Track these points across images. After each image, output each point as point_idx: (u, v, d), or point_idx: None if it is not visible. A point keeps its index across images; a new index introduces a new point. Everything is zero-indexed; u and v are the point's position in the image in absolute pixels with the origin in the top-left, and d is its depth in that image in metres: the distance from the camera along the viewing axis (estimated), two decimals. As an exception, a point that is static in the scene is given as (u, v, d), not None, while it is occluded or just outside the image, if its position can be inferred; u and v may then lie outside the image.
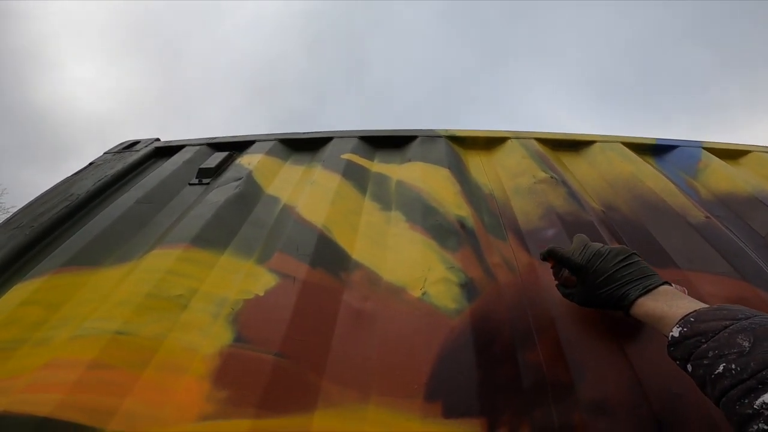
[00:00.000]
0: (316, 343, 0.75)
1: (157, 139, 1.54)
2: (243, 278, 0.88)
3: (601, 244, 0.71)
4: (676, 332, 0.52)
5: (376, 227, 1.03)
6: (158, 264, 0.90)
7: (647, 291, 0.61)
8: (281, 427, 0.62)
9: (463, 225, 1.01)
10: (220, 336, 0.75)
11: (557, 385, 0.68)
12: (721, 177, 1.26)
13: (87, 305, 0.84)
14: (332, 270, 0.89)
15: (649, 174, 1.21)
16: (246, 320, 0.78)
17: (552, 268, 0.78)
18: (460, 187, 1.14)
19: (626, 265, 0.65)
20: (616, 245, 0.70)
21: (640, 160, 1.28)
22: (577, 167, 1.29)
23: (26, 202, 1.25)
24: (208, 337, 0.76)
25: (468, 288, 0.85)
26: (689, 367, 0.50)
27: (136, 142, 1.52)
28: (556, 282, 0.77)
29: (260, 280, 0.86)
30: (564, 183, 1.15)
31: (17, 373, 0.72)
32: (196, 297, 0.84)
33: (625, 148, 1.32)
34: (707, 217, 1.08)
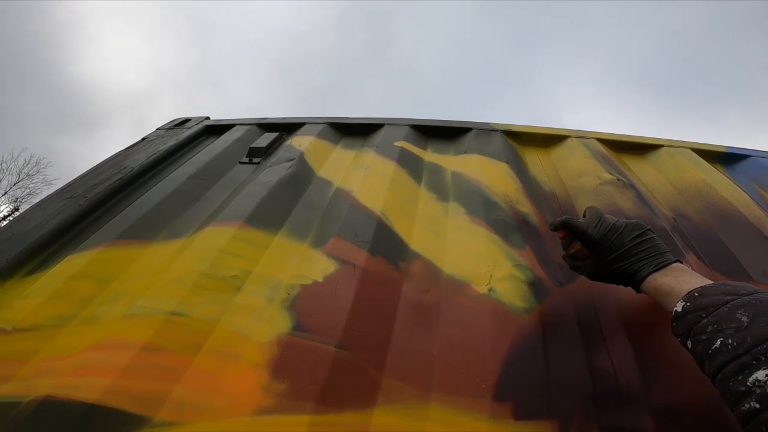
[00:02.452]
0: (377, 336, 0.71)
1: (207, 118, 1.53)
2: (298, 261, 0.86)
3: (616, 218, 0.68)
4: (679, 307, 0.51)
5: (433, 217, 0.99)
6: (212, 242, 0.88)
7: (659, 267, 0.60)
8: (340, 424, 0.59)
9: (526, 222, 0.96)
10: (277, 322, 0.72)
11: (627, 389, 0.64)
12: (797, 191, 1.17)
13: (138, 281, 0.82)
14: (391, 259, 0.86)
15: (722, 183, 1.14)
16: (304, 307, 0.74)
17: (562, 239, 0.75)
18: (521, 184, 1.08)
19: (641, 241, 0.64)
20: (632, 220, 0.68)
21: (712, 168, 1.20)
22: (642, 171, 1.22)
23: (79, 173, 1.26)
24: (262, 322, 0.72)
25: (536, 287, 0.81)
26: (689, 344, 0.49)
27: (187, 120, 1.52)
28: (564, 253, 0.75)
29: (318, 265, 0.83)
30: (632, 186, 1.08)
31: (64, 352, 0.69)
32: (250, 279, 0.81)
33: (694, 154, 1.24)
34: (784, 232, 1.01)
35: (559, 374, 0.67)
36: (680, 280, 0.56)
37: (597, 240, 0.66)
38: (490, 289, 0.79)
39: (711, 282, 0.54)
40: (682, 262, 0.61)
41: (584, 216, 0.72)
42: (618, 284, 0.68)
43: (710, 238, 1.00)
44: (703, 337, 0.46)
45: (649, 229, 0.66)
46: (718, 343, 0.44)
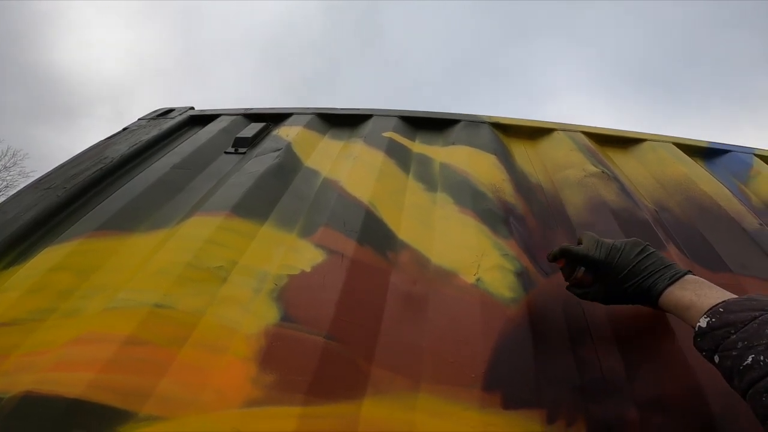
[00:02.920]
0: (366, 327, 0.71)
1: (192, 108, 1.50)
2: (285, 252, 0.84)
3: (612, 240, 0.68)
4: (703, 323, 0.51)
5: (421, 207, 0.99)
6: (198, 232, 0.86)
7: (674, 281, 0.60)
8: (330, 415, 0.59)
9: (513, 213, 0.97)
10: (264, 314, 0.71)
11: (612, 380, 0.66)
12: (773, 186, 1.21)
13: (120, 273, 0.80)
14: (380, 249, 0.85)
15: (703, 177, 1.17)
16: (292, 298, 0.73)
17: (562, 268, 0.73)
18: (508, 175, 1.09)
19: (645, 256, 0.64)
20: (630, 238, 0.68)
21: (693, 162, 1.23)
22: (625, 164, 1.25)
23: (57, 163, 1.22)
24: (249, 313, 0.71)
25: (523, 277, 0.81)
26: (716, 358, 0.49)
27: (170, 110, 1.48)
28: (568, 283, 0.72)
29: (305, 255, 0.82)
30: (616, 179, 1.10)
31: (44, 347, 0.67)
32: (236, 269, 0.79)
33: (676, 148, 1.27)
34: (761, 225, 1.04)
35: (547, 364, 0.68)
36: (700, 294, 0.56)
37: (602, 261, 0.65)
38: (477, 279, 0.80)
39: (731, 295, 0.54)
40: (692, 273, 0.61)
41: (580, 243, 0.71)
42: (633, 303, 0.66)
43: (691, 230, 1.03)
44: (733, 353, 0.47)
45: (648, 245, 0.66)
46: (750, 359, 0.45)
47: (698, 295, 0.56)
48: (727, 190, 1.14)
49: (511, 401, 0.63)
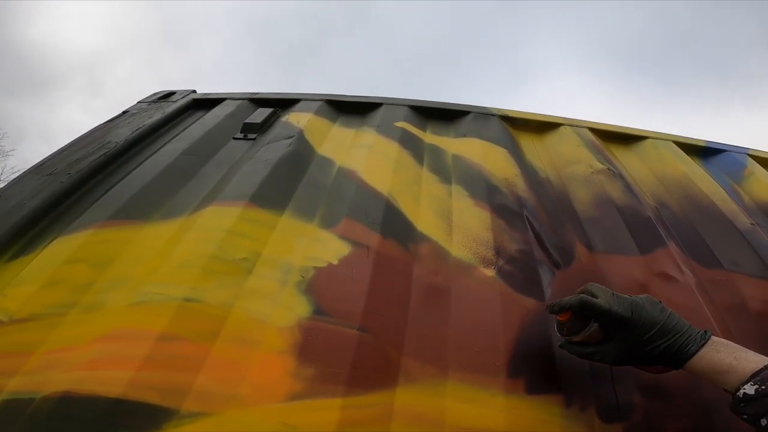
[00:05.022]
0: (394, 318, 0.73)
1: (194, 91, 1.46)
2: (308, 242, 0.85)
3: (624, 295, 0.62)
4: (750, 390, 0.51)
5: (438, 199, 1.00)
6: (218, 222, 0.85)
7: (704, 343, 0.57)
8: (367, 405, 0.61)
9: (527, 207, 1.00)
10: (294, 306, 0.72)
11: (619, 368, 0.69)
12: (764, 186, 1.27)
13: (139, 265, 0.79)
14: (402, 241, 0.87)
15: (700, 176, 1.22)
16: (322, 291, 0.74)
17: (564, 323, 0.63)
18: (520, 170, 1.12)
19: (669, 315, 0.59)
20: (643, 295, 0.63)
21: (691, 161, 1.28)
22: (627, 161, 1.29)
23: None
24: (279, 306, 0.72)
25: (538, 270, 0.85)
26: (763, 422, 0.50)
27: (171, 93, 1.44)
28: (568, 339, 0.64)
29: (330, 247, 0.83)
30: (621, 176, 1.14)
31: (70, 343, 0.66)
32: (261, 261, 0.79)
33: (676, 147, 1.32)
34: (752, 224, 1.10)
35: (562, 354, 0.72)
36: (739, 358, 0.55)
37: (628, 319, 0.58)
38: (497, 272, 0.83)
39: (765, 358, 0.54)
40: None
41: (585, 293, 0.63)
42: (650, 364, 0.61)
43: (688, 227, 1.08)
44: None
45: (661, 302, 0.62)
46: None
47: (736, 358, 0.55)
48: (723, 190, 1.19)
49: (534, 387, 0.67)
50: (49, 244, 0.85)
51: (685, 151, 1.32)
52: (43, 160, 1.11)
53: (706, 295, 0.88)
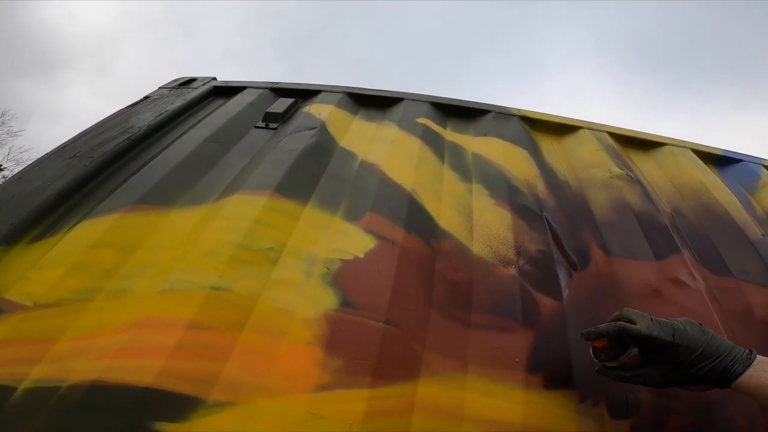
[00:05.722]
0: (417, 312, 0.75)
1: (214, 78, 1.47)
2: (332, 234, 0.86)
3: (663, 319, 0.62)
4: None
5: (459, 197, 1.02)
6: (244, 211, 0.86)
7: (750, 362, 0.57)
8: (392, 396, 0.63)
9: (546, 209, 1.01)
10: (320, 298, 0.73)
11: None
12: (777, 197, 1.28)
13: (165, 251, 0.80)
14: (425, 237, 0.89)
15: (716, 185, 1.23)
16: (348, 283, 0.76)
17: (603, 348, 0.62)
18: (539, 171, 1.13)
19: (711, 337, 0.59)
20: (683, 318, 0.62)
21: (708, 169, 1.29)
22: (645, 167, 1.30)
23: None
24: (304, 297, 0.73)
25: (558, 271, 0.87)
26: None
27: (192, 79, 1.45)
28: (608, 364, 0.62)
29: (356, 240, 0.84)
30: (639, 182, 1.15)
31: (96, 330, 0.66)
32: (286, 251, 0.80)
33: (693, 155, 1.33)
34: (764, 235, 1.12)
35: (578, 351, 0.74)
36: None
37: (670, 343, 0.58)
38: (517, 271, 0.85)
39: None
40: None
41: (621, 319, 0.62)
42: (692, 384, 0.60)
43: (701, 236, 1.09)
44: None
45: (700, 324, 0.62)
46: None
47: None
48: (737, 200, 1.20)
49: (552, 382, 0.70)
50: (73, 227, 0.85)
51: (702, 159, 1.33)
52: (66, 142, 1.12)
53: (715, 301, 0.90)
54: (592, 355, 0.64)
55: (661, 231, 1.03)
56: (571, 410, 0.67)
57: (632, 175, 1.16)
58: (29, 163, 1.06)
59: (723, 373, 0.57)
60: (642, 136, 1.37)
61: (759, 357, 0.58)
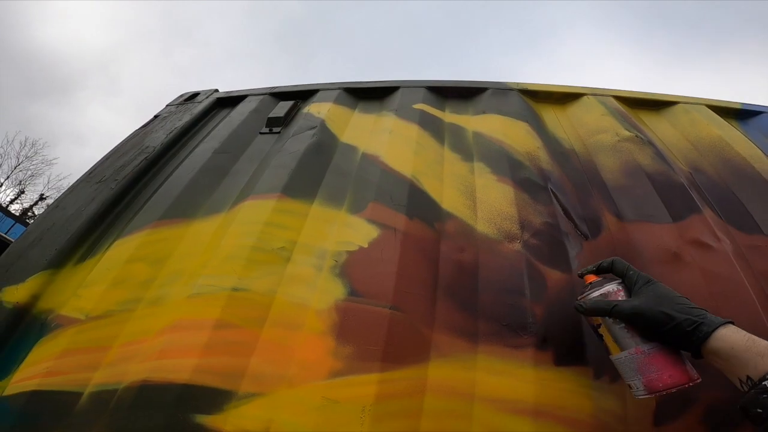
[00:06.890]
0: (423, 295, 0.76)
1: (216, 90, 1.51)
2: (339, 228, 0.88)
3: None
4: None
5: (461, 177, 1.01)
6: (255, 215, 0.90)
7: (724, 324, 0.54)
8: (402, 379, 0.65)
9: (551, 180, 0.99)
10: (330, 290, 0.76)
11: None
12: (806, 144, 1.20)
13: (191, 259, 0.85)
14: (427, 220, 0.89)
15: (737, 139, 1.16)
16: (354, 273, 0.78)
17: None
18: (542, 142, 1.10)
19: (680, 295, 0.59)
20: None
21: (726, 123, 1.22)
22: (658, 127, 1.24)
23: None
24: (316, 290, 0.76)
25: (565, 242, 0.85)
26: None
27: (195, 94, 1.50)
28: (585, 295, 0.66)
29: (360, 231, 0.85)
30: (650, 143, 1.11)
31: (141, 336, 0.73)
32: (297, 249, 0.84)
33: (709, 110, 1.26)
34: (794, 185, 1.04)
35: (590, 327, 0.72)
36: (755, 340, 0.52)
37: (654, 281, 0.62)
38: (522, 246, 0.83)
39: None
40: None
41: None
42: (665, 342, 0.58)
43: (725, 192, 1.04)
44: None
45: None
46: None
47: (757, 342, 0.51)
48: (761, 151, 1.14)
49: (562, 359, 0.68)
50: (109, 246, 0.93)
51: (719, 115, 1.26)
52: (92, 168, 1.20)
53: (744, 261, 0.85)
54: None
55: (678, 191, 0.98)
56: (586, 387, 0.66)
57: (642, 137, 1.12)
58: (64, 190, 1.15)
59: (693, 331, 0.55)
60: (651, 97, 1.31)
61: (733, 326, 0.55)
